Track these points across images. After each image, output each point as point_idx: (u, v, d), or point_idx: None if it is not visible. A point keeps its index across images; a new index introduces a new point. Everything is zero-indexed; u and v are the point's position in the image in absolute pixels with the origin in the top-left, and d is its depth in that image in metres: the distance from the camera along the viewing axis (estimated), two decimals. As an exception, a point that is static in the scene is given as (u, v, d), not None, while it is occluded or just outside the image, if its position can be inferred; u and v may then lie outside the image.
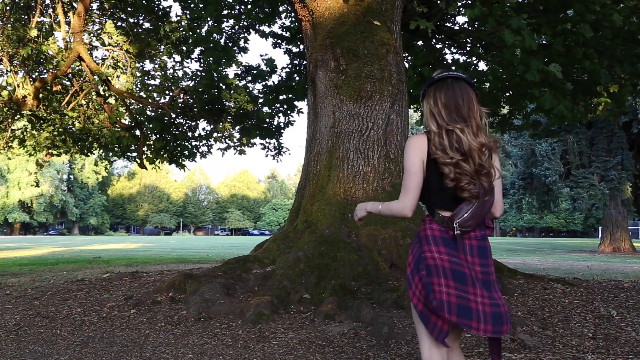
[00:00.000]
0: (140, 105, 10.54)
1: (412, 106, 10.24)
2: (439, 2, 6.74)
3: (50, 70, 9.41)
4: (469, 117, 2.09)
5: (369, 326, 4.13)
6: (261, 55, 10.75)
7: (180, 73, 10.76)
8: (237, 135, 11.19)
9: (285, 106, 11.05)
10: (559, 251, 24.52)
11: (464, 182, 2.06)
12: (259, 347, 3.86)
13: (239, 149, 11.24)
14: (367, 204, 2.38)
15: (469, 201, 2.09)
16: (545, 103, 6.89)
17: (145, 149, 10.89)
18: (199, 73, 10.48)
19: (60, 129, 10.88)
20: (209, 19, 9.98)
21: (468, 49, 9.03)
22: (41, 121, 10.84)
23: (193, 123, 11.22)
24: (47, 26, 9.51)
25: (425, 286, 2.04)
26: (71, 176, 76.20)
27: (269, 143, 11.87)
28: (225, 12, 10.08)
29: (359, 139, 5.87)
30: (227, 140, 11.04)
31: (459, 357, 2.25)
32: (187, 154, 11.51)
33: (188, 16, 9.67)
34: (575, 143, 24.79)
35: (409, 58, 9.59)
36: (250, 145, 11.53)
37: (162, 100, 10.78)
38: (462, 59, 9.65)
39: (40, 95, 8.93)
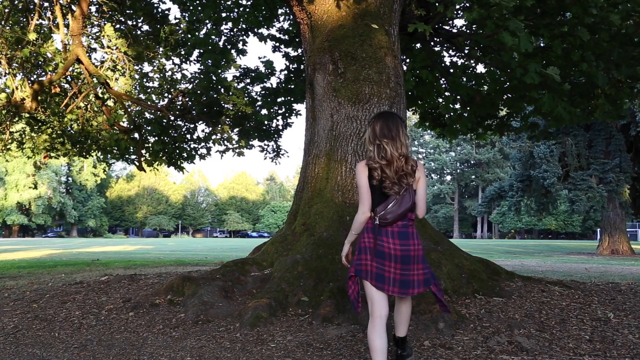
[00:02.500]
0: (139, 107, 10.54)
1: (410, 109, 10.25)
2: (437, 5, 6.75)
3: (49, 73, 9.42)
4: (394, 136, 3.01)
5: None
6: (260, 58, 10.77)
7: (178, 76, 10.78)
8: (235, 137, 11.20)
9: (283, 109, 11.06)
10: (558, 253, 24.55)
11: (387, 182, 2.98)
12: (257, 349, 3.87)
13: (237, 151, 11.25)
14: (345, 242, 3.28)
15: (392, 200, 2.99)
16: (544, 106, 6.91)
17: (143, 151, 10.89)
18: (197, 75, 10.49)
19: (58, 132, 10.88)
20: (207, 21, 9.99)
21: (466, 51, 9.04)
22: (40, 123, 10.84)
23: (192, 125, 11.23)
24: (45, 29, 9.52)
25: (356, 260, 3.08)
26: (70, 178, 76.20)
27: (268, 145, 11.88)
28: (223, 14, 10.09)
29: (357, 141, 5.87)
30: (225, 142, 11.05)
31: (406, 307, 3.27)
32: (185, 156, 11.51)
33: (187, 19, 9.68)
34: (574, 145, 24.83)
35: (407, 61, 9.60)
36: (248, 147, 11.54)
37: (161, 103, 10.78)
38: (460, 61, 9.67)
39: (39, 98, 8.93)
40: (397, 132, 3.02)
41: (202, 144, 11.56)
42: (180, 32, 9.43)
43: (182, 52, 10.15)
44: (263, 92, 10.97)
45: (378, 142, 3.01)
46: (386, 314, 3.10)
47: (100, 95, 9.77)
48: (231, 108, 10.04)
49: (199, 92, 9.98)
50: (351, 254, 3.29)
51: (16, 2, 9.12)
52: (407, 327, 3.36)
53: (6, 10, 8.91)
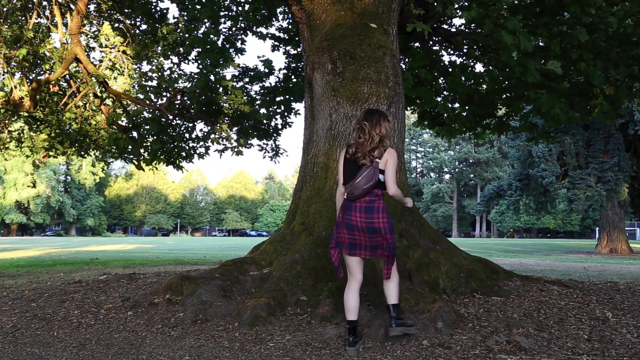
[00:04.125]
0: (138, 106, 10.53)
1: (408, 108, 10.26)
2: (435, 4, 6.75)
3: (47, 72, 9.40)
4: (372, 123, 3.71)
5: (365, 328, 4.15)
6: (258, 57, 10.76)
7: (177, 75, 10.76)
8: (234, 136, 11.19)
9: (282, 108, 11.06)
10: (556, 252, 24.58)
11: (358, 155, 3.69)
12: (255, 349, 3.87)
13: (236, 150, 11.25)
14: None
15: (358, 176, 3.63)
16: (542, 105, 6.91)
17: (142, 150, 10.88)
18: (195, 75, 10.48)
19: (57, 131, 10.87)
20: (205, 20, 9.98)
21: (465, 51, 9.05)
22: (38, 122, 10.82)
23: (190, 124, 11.22)
24: (44, 27, 9.50)
25: (335, 234, 3.81)
26: (68, 177, 76.13)
27: (267, 144, 11.87)
28: (222, 13, 10.08)
29: (355, 141, 5.87)
30: (224, 141, 11.04)
31: (389, 281, 3.81)
32: (184, 155, 11.50)
33: (185, 18, 9.67)
34: (572, 144, 24.86)
35: (406, 60, 9.60)
36: (247, 146, 11.53)
37: (160, 102, 10.77)
38: (458, 60, 9.67)
39: (37, 97, 8.91)
40: (376, 120, 3.74)
41: (201, 143, 11.56)
42: (178, 31, 9.41)
43: (181, 51, 10.14)
44: (262, 91, 10.97)
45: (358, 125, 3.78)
46: (361, 279, 3.83)
47: (99, 94, 9.76)
48: (230, 107, 10.04)
49: (197, 91, 9.96)
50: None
51: (15, 0, 9.10)
52: (397, 296, 3.82)
53: (5, 9, 8.89)
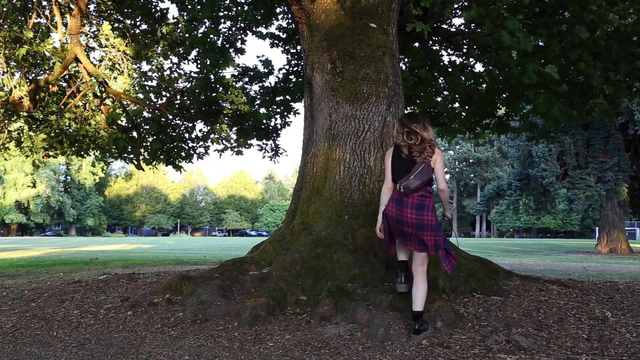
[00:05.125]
0: (137, 106, 10.53)
1: (408, 108, 10.25)
2: (435, 5, 6.75)
3: (47, 72, 9.40)
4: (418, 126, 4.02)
5: (365, 328, 4.15)
6: (258, 57, 10.75)
7: (177, 74, 10.76)
8: (234, 136, 11.19)
9: (282, 107, 11.05)
10: (556, 252, 24.59)
11: (414, 154, 3.98)
12: (255, 348, 3.87)
13: (236, 150, 11.24)
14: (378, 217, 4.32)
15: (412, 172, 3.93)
16: (539, 106, 6.91)
17: (142, 150, 10.88)
18: (195, 75, 10.48)
19: (57, 131, 10.86)
20: (205, 20, 9.98)
21: (464, 50, 9.05)
22: (38, 122, 10.82)
23: (190, 124, 11.22)
24: (43, 27, 9.50)
25: (386, 222, 4.11)
26: (68, 177, 76.13)
27: (266, 144, 11.86)
28: (222, 13, 10.07)
29: (355, 141, 5.88)
30: (224, 141, 11.03)
31: (421, 283, 4.02)
32: (184, 155, 11.50)
33: (185, 17, 9.67)
34: (572, 144, 24.85)
35: (406, 60, 9.60)
36: (247, 146, 11.53)
37: (159, 102, 10.77)
38: (458, 60, 9.67)
39: (37, 97, 8.91)
40: (422, 124, 4.08)
41: (201, 142, 11.55)
42: (178, 31, 9.41)
43: (181, 51, 10.14)
44: (261, 90, 10.96)
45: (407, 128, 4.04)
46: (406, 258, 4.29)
47: (99, 94, 9.76)
48: (229, 107, 10.03)
49: (197, 91, 9.96)
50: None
51: (14, 0, 9.10)
52: (421, 304, 3.96)
53: (4, 9, 8.89)
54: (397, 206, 3.97)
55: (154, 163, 11.27)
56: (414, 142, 3.97)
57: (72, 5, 8.54)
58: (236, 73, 10.79)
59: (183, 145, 11.41)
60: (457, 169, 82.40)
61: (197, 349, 3.92)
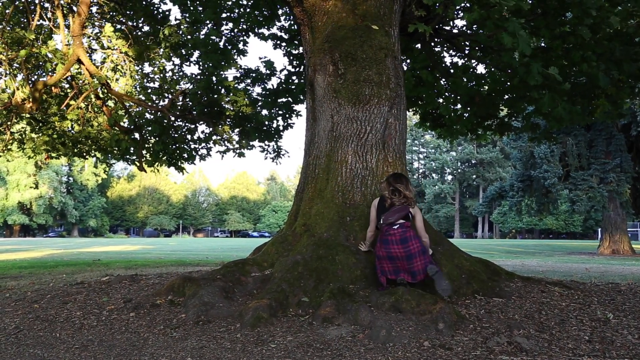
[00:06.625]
0: (140, 108, 10.55)
1: (410, 110, 10.26)
2: (437, 6, 6.75)
3: (49, 73, 9.42)
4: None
5: (367, 329, 4.15)
6: (260, 58, 10.77)
7: (179, 76, 10.78)
8: (236, 138, 11.20)
9: (284, 109, 11.06)
10: (558, 253, 24.55)
11: (395, 202, 4.91)
12: (257, 350, 3.88)
13: (238, 151, 11.25)
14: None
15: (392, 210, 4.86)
16: (544, 106, 6.91)
17: (144, 151, 10.89)
18: (197, 76, 10.49)
19: (59, 132, 10.89)
20: (207, 22, 10.00)
21: (466, 52, 9.04)
22: (40, 124, 10.85)
23: (192, 126, 11.23)
24: (46, 29, 9.53)
25: (379, 264, 4.89)
26: (71, 178, 76.24)
27: (268, 146, 11.87)
28: (224, 15, 10.09)
29: (357, 142, 5.89)
30: (226, 143, 11.05)
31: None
32: (186, 156, 11.51)
33: (187, 19, 9.69)
34: (574, 145, 24.81)
35: (407, 61, 9.61)
36: (249, 148, 11.54)
37: (162, 103, 10.79)
38: (460, 62, 9.67)
39: (39, 99, 8.94)
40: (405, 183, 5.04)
41: (203, 144, 11.56)
42: (180, 32, 9.43)
43: (183, 53, 10.16)
44: (264, 92, 10.97)
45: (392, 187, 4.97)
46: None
47: (101, 96, 9.78)
48: (231, 108, 10.05)
49: (199, 92, 9.98)
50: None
51: (17, 2, 9.13)
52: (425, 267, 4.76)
53: (7, 11, 8.92)
54: (384, 245, 4.74)
55: (156, 164, 11.29)
56: (397, 198, 4.87)
57: (74, 7, 8.57)
58: (238, 75, 10.82)
59: (185, 146, 11.43)
60: (459, 170, 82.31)
61: (200, 351, 3.92)
